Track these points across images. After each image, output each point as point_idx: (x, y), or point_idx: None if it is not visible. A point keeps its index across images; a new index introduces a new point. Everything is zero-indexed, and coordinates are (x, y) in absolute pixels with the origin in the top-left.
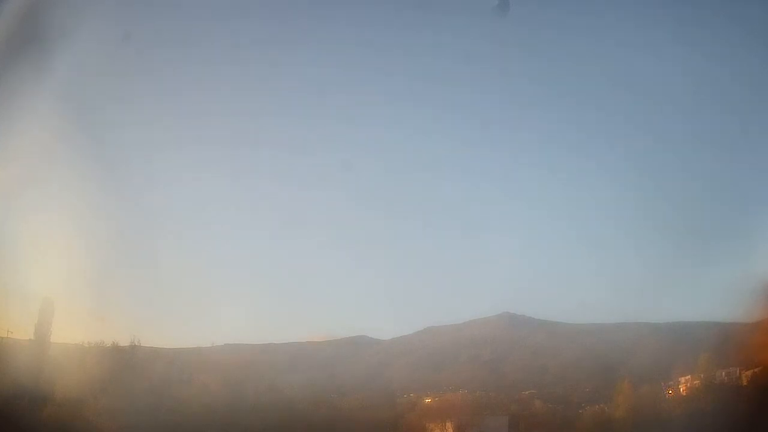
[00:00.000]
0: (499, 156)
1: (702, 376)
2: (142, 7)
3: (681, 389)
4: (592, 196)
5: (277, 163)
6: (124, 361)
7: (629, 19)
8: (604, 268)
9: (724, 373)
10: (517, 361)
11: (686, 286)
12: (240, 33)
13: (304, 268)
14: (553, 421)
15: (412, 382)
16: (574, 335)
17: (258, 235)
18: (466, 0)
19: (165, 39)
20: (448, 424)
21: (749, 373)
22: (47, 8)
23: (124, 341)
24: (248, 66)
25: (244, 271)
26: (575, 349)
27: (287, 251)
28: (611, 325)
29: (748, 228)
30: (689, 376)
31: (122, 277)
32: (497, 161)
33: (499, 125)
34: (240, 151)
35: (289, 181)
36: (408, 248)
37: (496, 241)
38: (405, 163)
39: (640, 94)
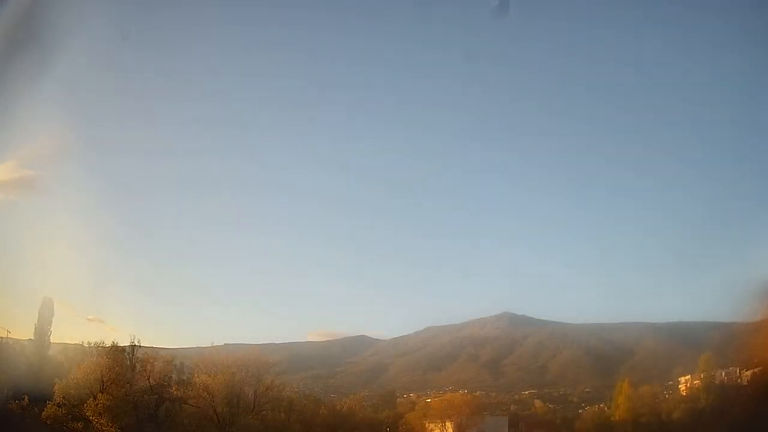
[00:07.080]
0: (500, 158)
1: (702, 376)
2: (142, 8)
3: (681, 389)
4: (592, 198)
5: (278, 163)
6: (124, 361)
7: (634, 19)
8: (604, 268)
9: (724, 373)
10: (517, 361)
11: (686, 286)
12: (240, 37)
13: (304, 269)
14: (553, 421)
15: (412, 382)
16: (574, 335)
17: (258, 235)
18: (466, 1)
19: (166, 41)
20: (448, 424)
21: (749, 373)
22: (47, 8)
23: (124, 341)
24: (250, 70)
25: (244, 271)
26: (575, 349)
27: (287, 252)
28: (611, 325)
29: (748, 229)
30: (689, 376)
31: (122, 278)
32: (498, 163)
33: (499, 127)
34: (240, 151)
35: (289, 182)
36: (408, 249)
37: (496, 241)
38: (405, 165)
39: (640, 100)
